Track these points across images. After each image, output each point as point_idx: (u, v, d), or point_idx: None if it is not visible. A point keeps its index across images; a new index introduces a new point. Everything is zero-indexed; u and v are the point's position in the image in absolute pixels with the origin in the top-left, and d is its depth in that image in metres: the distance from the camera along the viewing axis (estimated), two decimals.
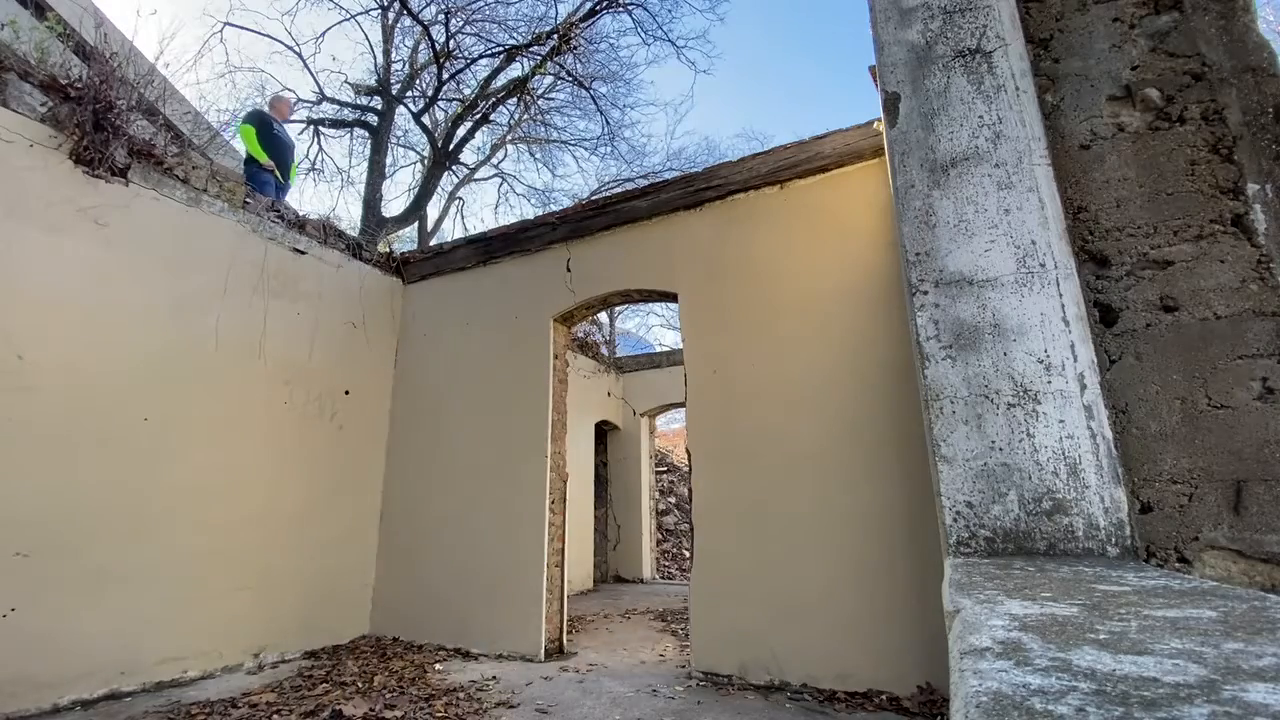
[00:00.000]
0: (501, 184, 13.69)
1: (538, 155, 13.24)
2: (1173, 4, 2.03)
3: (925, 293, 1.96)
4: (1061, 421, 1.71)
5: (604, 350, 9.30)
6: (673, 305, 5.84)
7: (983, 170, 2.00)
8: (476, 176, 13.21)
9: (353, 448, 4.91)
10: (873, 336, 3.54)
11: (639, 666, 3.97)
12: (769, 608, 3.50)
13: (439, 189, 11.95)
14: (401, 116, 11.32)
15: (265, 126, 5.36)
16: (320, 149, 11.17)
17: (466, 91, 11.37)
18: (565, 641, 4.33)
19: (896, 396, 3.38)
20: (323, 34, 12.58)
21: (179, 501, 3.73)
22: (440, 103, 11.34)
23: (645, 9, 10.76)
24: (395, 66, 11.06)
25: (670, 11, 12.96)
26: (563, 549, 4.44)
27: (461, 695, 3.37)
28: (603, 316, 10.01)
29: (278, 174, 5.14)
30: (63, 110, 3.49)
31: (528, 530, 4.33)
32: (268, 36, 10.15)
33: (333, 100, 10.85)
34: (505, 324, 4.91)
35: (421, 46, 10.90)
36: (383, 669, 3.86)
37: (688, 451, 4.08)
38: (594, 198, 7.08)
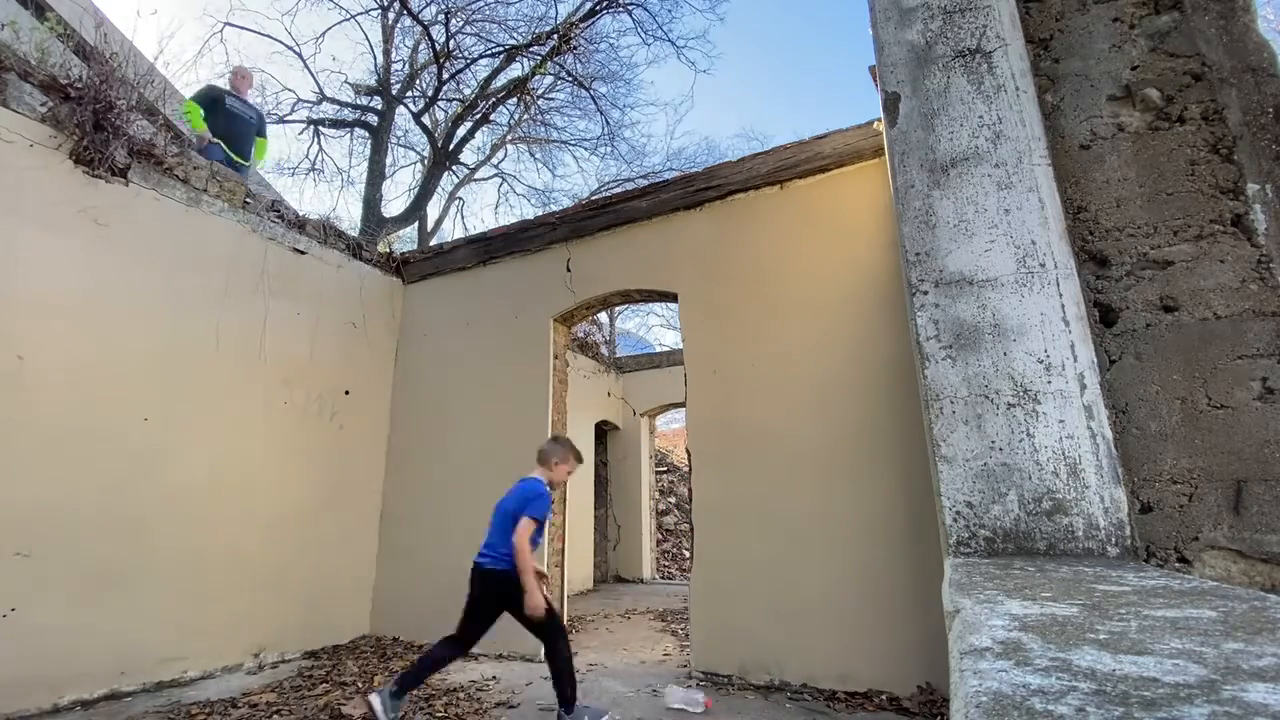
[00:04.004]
0: (501, 184, 13.69)
1: (538, 155, 13.25)
2: (1173, 4, 2.03)
3: (925, 293, 1.96)
4: (1061, 421, 1.71)
5: (604, 350, 9.30)
6: (673, 305, 5.84)
7: (983, 170, 2.00)
8: (476, 176, 13.21)
9: (353, 448, 4.91)
10: (873, 336, 3.54)
11: (639, 666, 3.97)
12: (769, 608, 3.49)
13: (439, 189, 11.95)
14: (401, 116, 11.32)
15: (216, 102, 5.09)
16: (320, 149, 11.18)
17: (466, 91, 11.38)
18: None
19: (897, 396, 3.38)
20: (323, 34, 12.59)
21: (179, 501, 3.73)
22: (440, 103, 11.34)
23: (645, 9, 10.76)
24: (395, 66, 11.06)
25: (670, 11, 12.98)
26: (563, 549, 4.43)
27: (461, 695, 3.37)
28: (603, 316, 10.01)
29: (225, 147, 4.89)
30: (63, 110, 3.48)
31: None
32: (268, 36, 10.15)
33: (333, 100, 10.85)
34: (505, 324, 4.91)
35: (421, 46, 10.90)
36: (383, 669, 3.86)
37: (688, 451, 4.08)
38: (594, 198, 7.09)
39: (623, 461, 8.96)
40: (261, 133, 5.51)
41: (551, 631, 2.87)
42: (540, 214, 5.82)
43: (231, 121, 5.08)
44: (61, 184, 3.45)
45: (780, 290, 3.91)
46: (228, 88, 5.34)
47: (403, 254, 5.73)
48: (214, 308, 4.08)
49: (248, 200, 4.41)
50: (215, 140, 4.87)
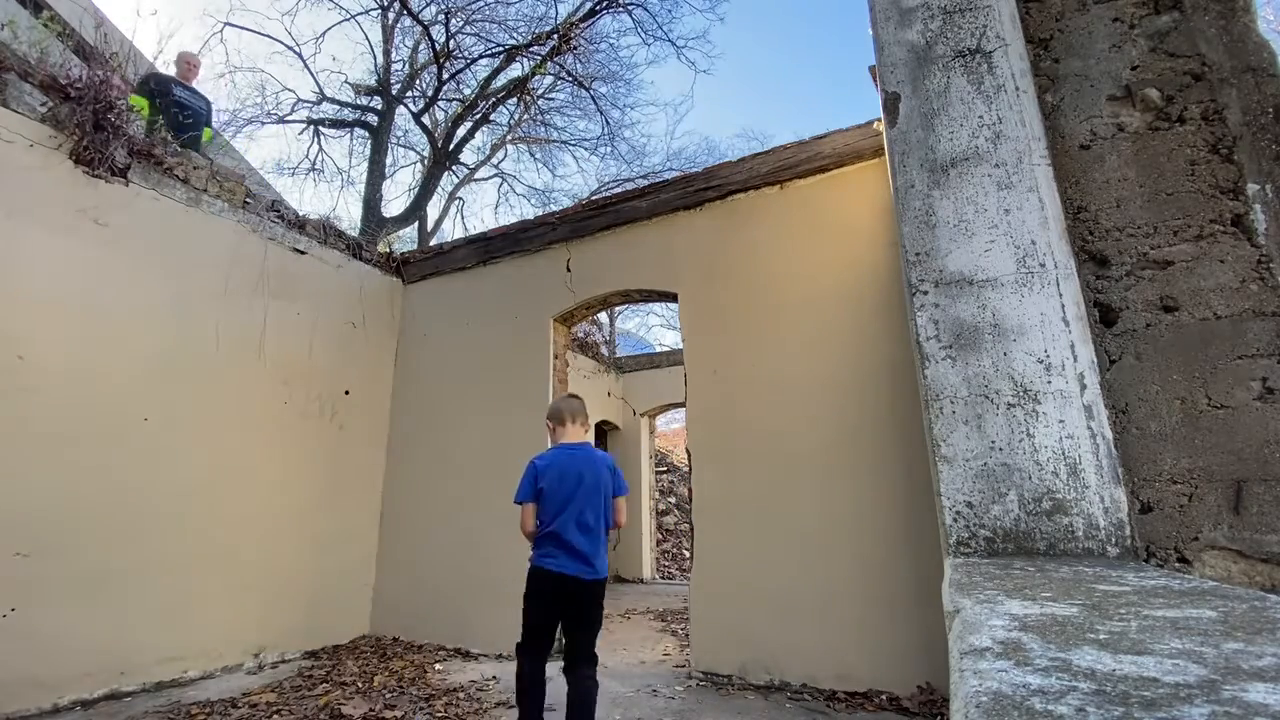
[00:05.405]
0: (501, 184, 13.70)
1: (538, 155, 13.26)
2: (1173, 4, 2.03)
3: (925, 293, 1.96)
4: (1061, 421, 1.71)
5: (604, 350, 9.30)
6: (673, 305, 5.83)
7: (983, 170, 2.00)
8: (476, 176, 13.22)
9: (353, 448, 4.91)
10: (873, 336, 3.54)
11: (639, 666, 3.97)
12: (769, 608, 3.49)
13: (439, 189, 11.96)
14: (401, 116, 11.33)
15: (163, 92, 4.64)
16: (320, 149, 11.18)
17: (466, 91, 11.38)
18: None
19: (896, 396, 3.38)
20: (323, 34, 12.59)
21: (179, 501, 3.73)
22: (440, 103, 11.35)
23: (645, 9, 10.76)
24: (395, 66, 11.06)
25: (670, 11, 12.95)
26: None
27: (461, 695, 3.37)
28: (603, 316, 10.01)
29: (171, 138, 4.38)
30: (63, 110, 3.48)
31: None
32: (268, 36, 10.16)
33: (333, 100, 10.85)
34: (505, 324, 4.91)
35: (421, 46, 10.90)
36: (383, 669, 3.86)
37: (688, 451, 4.08)
38: (594, 198, 7.09)
39: (623, 461, 8.96)
40: (208, 121, 5.12)
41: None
42: (540, 214, 5.82)
43: (180, 112, 4.68)
44: (61, 184, 3.45)
45: (780, 290, 3.91)
46: (174, 75, 4.95)
47: (403, 254, 5.73)
48: (214, 308, 4.08)
49: (248, 200, 4.41)
50: (165, 135, 4.35)
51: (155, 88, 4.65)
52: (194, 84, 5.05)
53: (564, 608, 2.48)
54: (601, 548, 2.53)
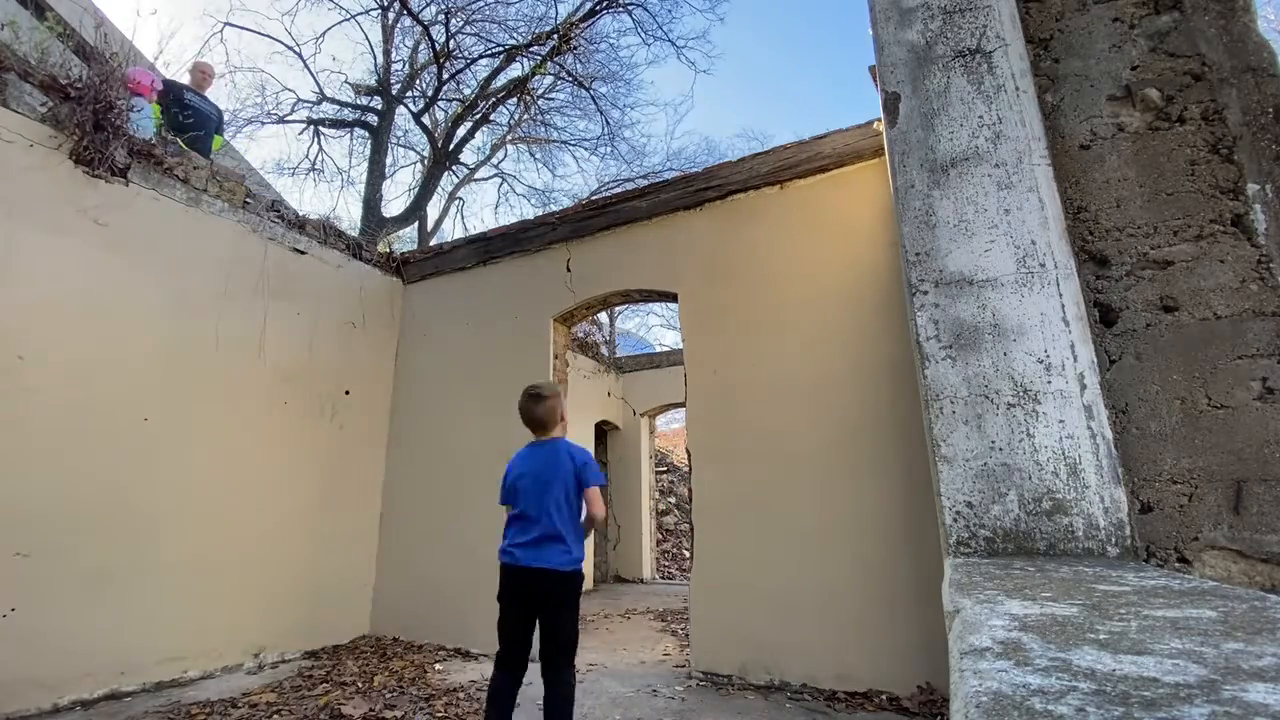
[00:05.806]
0: (501, 184, 13.71)
1: (538, 155, 13.26)
2: (1173, 4, 2.03)
3: (925, 293, 1.96)
4: (1061, 421, 1.71)
5: (604, 350, 9.30)
6: (673, 305, 5.83)
7: (983, 170, 2.00)
8: (476, 176, 13.22)
9: (353, 448, 4.91)
10: (873, 336, 3.54)
11: (639, 666, 3.97)
12: (769, 608, 3.49)
13: (439, 189, 11.96)
14: (401, 116, 11.34)
15: (175, 98, 4.82)
16: (320, 149, 11.18)
17: (466, 91, 11.39)
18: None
19: (896, 396, 3.38)
20: (323, 34, 12.60)
21: (179, 501, 3.73)
22: (440, 103, 11.35)
23: (645, 9, 10.77)
24: (395, 66, 11.07)
25: (670, 11, 12.97)
26: None
27: (461, 695, 3.37)
28: (603, 316, 10.01)
29: (182, 144, 4.49)
30: (63, 110, 3.48)
31: None
32: (268, 36, 10.16)
33: (333, 100, 10.86)
34: (505, 324, 4.91)
35: (421, 46, 10.91)
36: (383, 669, 3.86)
37: (688, 451, 4.08)
38: (594, 198, 7.08)
39: (623, 461, 8.96)
40: (220, 130, 5.31)
41: (574, 650, 2.42)
42: (540, 214, 5.82)
43: (191, 118, 4.81)
44: (61, 184, 3.45)
45: (780, 290, 3.91)
46: (187, 83, 5.12)
47: (403, 254, 5.73)
48: (214, 308, 4.08)
49: (248, 200, 4.41)
50: (173, 138, 4.50)
51: (168, 93, 4.82)
52: (207, 93, 5.23)
53: (524, 603, 2.39)
54: (553, 537, 2.34)
